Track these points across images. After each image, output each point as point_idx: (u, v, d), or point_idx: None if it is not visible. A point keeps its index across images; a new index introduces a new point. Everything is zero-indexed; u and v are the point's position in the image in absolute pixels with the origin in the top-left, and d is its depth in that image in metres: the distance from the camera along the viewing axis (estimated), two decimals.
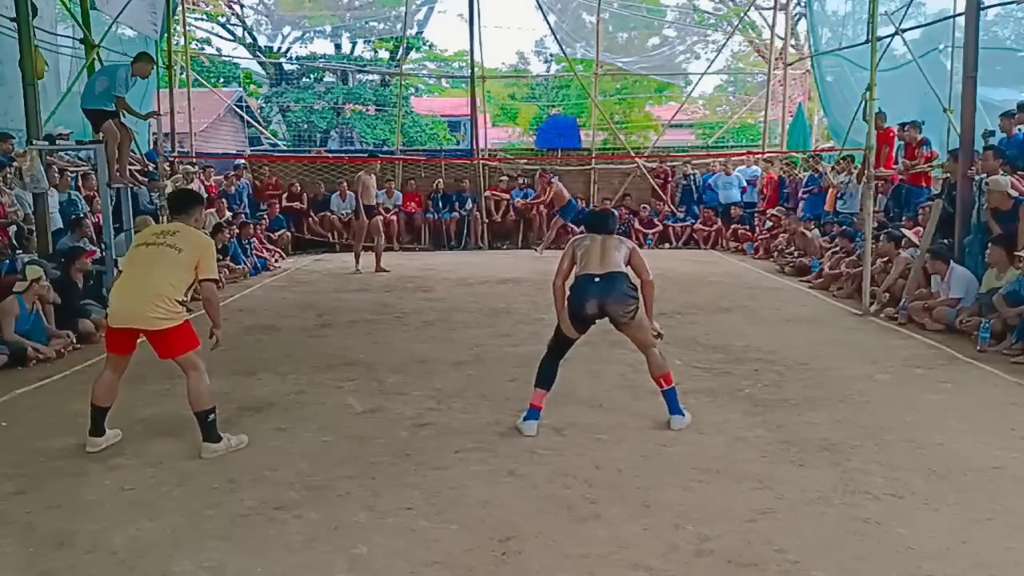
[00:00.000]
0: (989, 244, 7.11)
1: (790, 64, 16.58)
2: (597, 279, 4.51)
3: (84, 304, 7.44)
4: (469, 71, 16.30)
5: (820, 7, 15.29)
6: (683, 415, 4.67)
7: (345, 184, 14.97)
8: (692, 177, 15.34)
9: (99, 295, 7.88)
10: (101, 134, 8.01)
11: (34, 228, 8.18)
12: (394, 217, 14.88)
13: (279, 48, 24.82)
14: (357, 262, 11.74)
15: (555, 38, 16.87)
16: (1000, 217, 7.30)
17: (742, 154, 16.25)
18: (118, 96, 7.96)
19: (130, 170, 8.96)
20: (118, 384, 4.45)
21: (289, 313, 8.52)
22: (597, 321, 4.62)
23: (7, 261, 7.34)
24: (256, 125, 20.41)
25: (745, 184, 14.85)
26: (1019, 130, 8.38)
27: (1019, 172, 7.73)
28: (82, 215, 9.01)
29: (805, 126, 15.70)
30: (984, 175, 7.66)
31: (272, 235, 13.66)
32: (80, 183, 9.97)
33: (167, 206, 4.78)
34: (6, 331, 6.31)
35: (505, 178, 15.41)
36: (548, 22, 16.70)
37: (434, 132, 25.36)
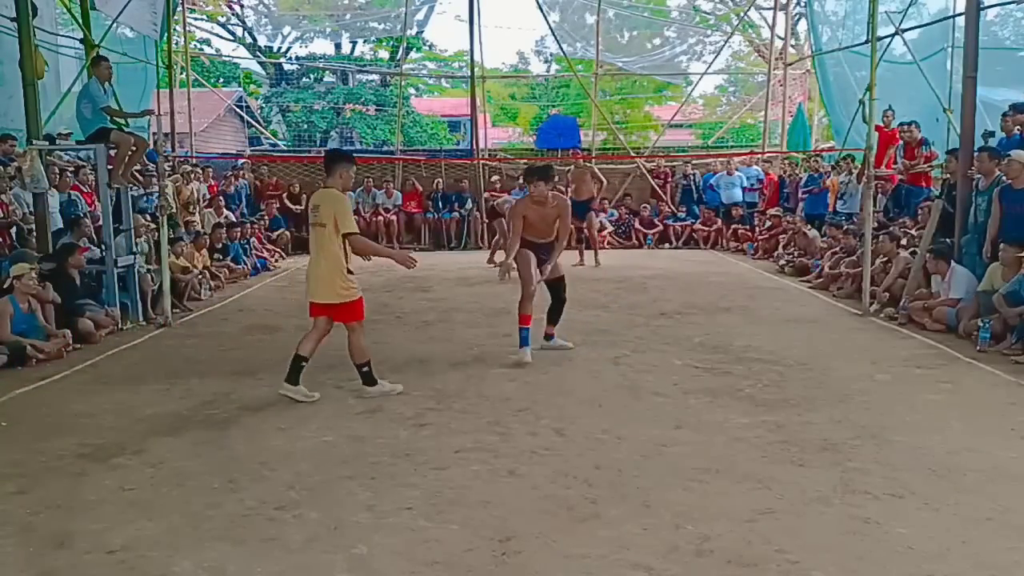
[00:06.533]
0: (1003, 243, 6.86)
1: (790, 64, 16.58)
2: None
3: (82, 304, 7.42)
4: (469, 71, 16.29)
5: (820, 7, 15.28)
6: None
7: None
8: (692, 177, 15.34)
9: (98, 295, 7.87)
10: (113, 148, 8.09)
11: (34, 228, 8.17)
12: (394, 217, 14.91)
13: (279, 48, 24.82)
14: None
15: (555, 38, 16.87)
16: (1010, 196, 7.10)
17: (743, 154, 16.25)
18: (104, 107, 8.00)
19: (131, 171, 8.96)
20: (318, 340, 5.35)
21: (289, 313, 8.51)
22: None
23: (6, 261, 7.33)
24: (256, 125, 20.40)
25: (748, 184, 14.83)
26: (1018, 130, 8.37)
27: None
28: (82, 215, 8.99)
29: (805, 126, 15.69)
30: (981, 176, 7.65)
31: (272, 235, 13.68)
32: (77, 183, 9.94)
33: None
34: (2, 331, 6.31)
35: (496, 177, 15.39)
36: (548, 22, 16.72)
37: (434, 132, 25.36)
